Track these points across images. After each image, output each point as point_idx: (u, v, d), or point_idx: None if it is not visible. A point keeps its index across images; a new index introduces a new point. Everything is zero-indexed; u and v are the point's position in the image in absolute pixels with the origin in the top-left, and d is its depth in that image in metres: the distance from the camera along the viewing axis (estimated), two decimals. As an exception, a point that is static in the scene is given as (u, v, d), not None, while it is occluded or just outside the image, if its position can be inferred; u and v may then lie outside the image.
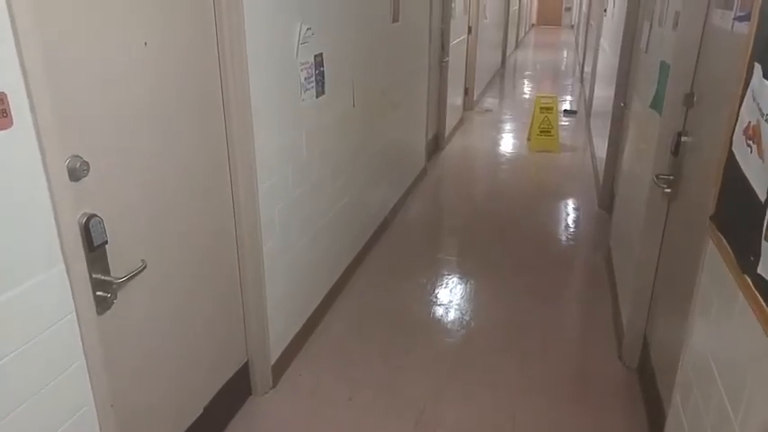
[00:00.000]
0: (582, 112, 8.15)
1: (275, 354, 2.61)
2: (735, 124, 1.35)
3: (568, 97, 9.37)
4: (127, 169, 1.65)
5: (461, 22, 6.92)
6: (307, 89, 2.65)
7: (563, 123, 7.42)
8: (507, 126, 7.59)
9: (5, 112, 1.18)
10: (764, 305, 1.09)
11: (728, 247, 1.32)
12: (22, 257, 1.25)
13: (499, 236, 4.25)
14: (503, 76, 11.78)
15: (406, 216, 4.55)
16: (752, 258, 1.15)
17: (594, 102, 6.90)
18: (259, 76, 2.21)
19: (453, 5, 6.13)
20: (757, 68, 1.26)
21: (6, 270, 1.22)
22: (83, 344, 1.43)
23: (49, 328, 1.33)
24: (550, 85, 10.61)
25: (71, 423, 1.43)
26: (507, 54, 13.37)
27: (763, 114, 1.19)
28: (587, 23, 10.53)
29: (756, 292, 1.12)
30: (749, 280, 1.16)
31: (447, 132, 6.51)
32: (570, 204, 4.90)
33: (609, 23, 6.20)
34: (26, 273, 1.26)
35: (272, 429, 2.38)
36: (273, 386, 2.60)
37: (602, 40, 7.03)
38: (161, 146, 1.80)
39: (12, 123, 1.19)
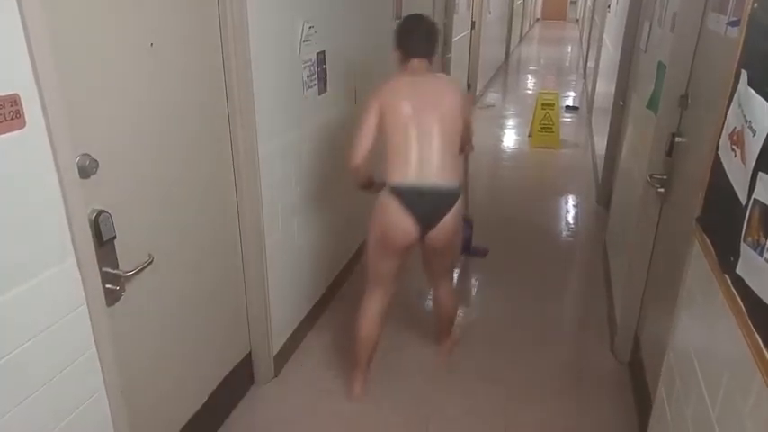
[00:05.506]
0: (584, 109, 8.16)
1: (277, 344, 2.68)
2: (722, 128, 1.40)
3: (571, 93, 9.38)
4: (134, 166, 1.71)
5: (465, 18, 6.92)
6: (309, 87, 2.70)
7: (565, 120, 7.44)
8: (509, 122, 7.61)
9: (19, 113, 1.22)
10: (740, 303, 1.14)
11: (711, 248, 1.37)
12: (36, 251, 1.31)
13: (497, 230, 4.30)
14: (506, 71, 11.78)
15: (406, 211, 4.58)
16: (731, 259, 1.20)
17: (596, 98, 6.92)
18: (262, 73, 2.25)
19: (457, 0, 6.14)
20: (743, 75, 1.30)
21: (22, 263, 1.27)
22: (93, 334, 1.49)
23: (63, 318, 1.39)
24: (554, 81, 10.61)
25: (84, 407, 1.49)
26: (511, 49, 13.35)
27: (746, 121, 1.24)
28: (591, 18, 10.52)
29: (734, 291, 1.18)
30: (728, 279, 1.21)
31: (449, 127, 6.51)
32: (569, 200, 4.94)
33: (612, 19, 6.22)
34: (40, 266, 1.32)
35: (274, 418, 2.45)
36: (275, 376, 2.67)
37: (604, 35, 7.04)
38: (166, 143, 1.85)
39: (25, 124, 1.23)
